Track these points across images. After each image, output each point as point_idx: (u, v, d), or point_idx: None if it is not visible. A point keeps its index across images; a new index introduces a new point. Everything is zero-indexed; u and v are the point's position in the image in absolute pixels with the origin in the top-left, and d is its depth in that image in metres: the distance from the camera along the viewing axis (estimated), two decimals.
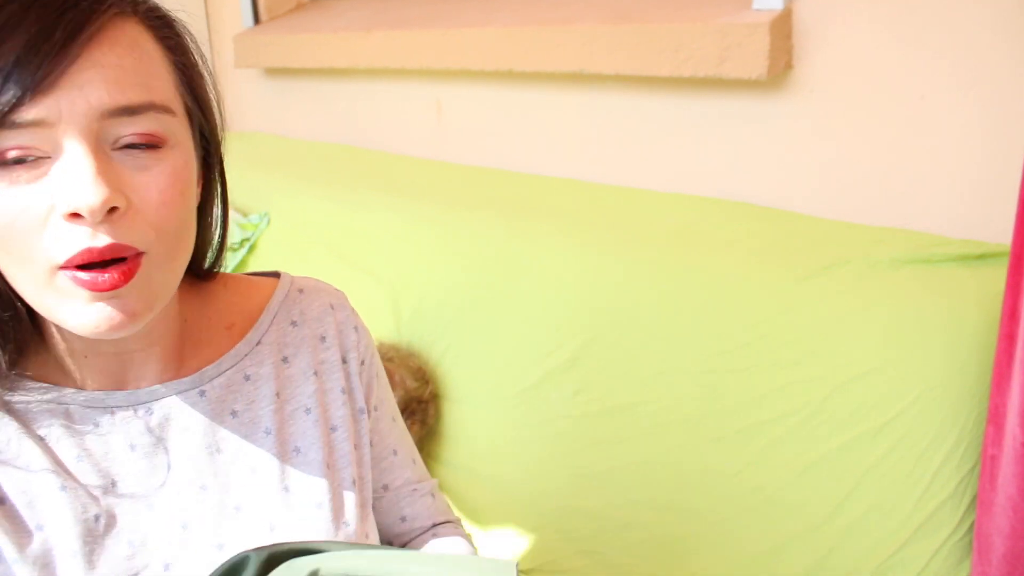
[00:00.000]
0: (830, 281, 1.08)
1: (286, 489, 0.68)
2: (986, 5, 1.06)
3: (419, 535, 0.83)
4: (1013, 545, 0.88)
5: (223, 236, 0.72)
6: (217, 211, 0.69)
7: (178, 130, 0.58)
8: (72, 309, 0.55)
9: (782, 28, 1.21)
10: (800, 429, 1.05)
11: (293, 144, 2.23)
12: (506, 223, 1.45)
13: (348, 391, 0.74)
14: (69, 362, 0.64)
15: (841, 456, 1.02)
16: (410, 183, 1.74)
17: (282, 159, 2.11)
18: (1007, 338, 0.88)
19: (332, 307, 0.75)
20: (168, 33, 0.60)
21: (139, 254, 0.55)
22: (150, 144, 0.55)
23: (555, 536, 1.21)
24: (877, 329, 1.02)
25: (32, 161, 0.53)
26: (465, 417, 1.39)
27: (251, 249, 1.93)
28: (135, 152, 0.55)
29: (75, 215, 0.52)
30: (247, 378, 0.70)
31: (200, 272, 0.71)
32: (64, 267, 0.54)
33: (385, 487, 0.81)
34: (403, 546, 0.83)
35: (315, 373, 0.72)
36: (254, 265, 1.91)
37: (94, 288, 0.54)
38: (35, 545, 0.60)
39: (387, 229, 1.63)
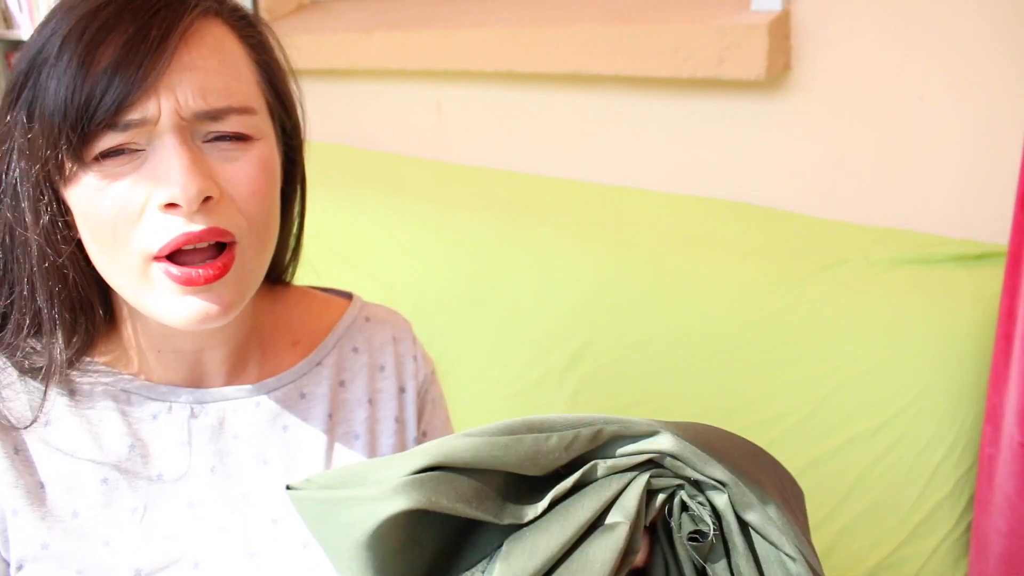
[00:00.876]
0: (829, 281, 1.08)
1: None
2: (983, 6, 1.07)
3: None
4: (1010, 544, 0.89)
5: (299, 239, 0.73)
6: (296, 211, 0.71)
7: (261, 126, 0.60)
8: (165, 301, 0.57)
9: (780, 29, 1.22)
10: (798, 429, 1.05)
11: None
12: (506, 223, 1.45)
13: (402, 421, 0.75)
14: (140, 355, 0.65)
15: (839, 455, 1.02)
16: (410, 183, 1.74)
17: None
18: (1004, 338, 0.89)
19: (395, 339, 0.77)
20: (251, 32, 0.62)
21: (233, 243, 0.58)
22: (237, 136, 0.58)
23: None
24: (875, 329, 1.02)
25: (128, 154, 0.55)
26: (465, 417, 1.39)
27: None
28: (223, 144, 0.58)
29: (172, 205, 0.55)
30: (303, 396, 0.71)
31: (275, 276, 0.73)
32: (158, 258, 0.56)
33: None
34: None
35: (369, 401, 0.74)
36: None
37: (188, 283, 0.56)
38: (69, 529, 0.61)
39: (387, 229, 1.64)
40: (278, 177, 0.63)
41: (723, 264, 1.18)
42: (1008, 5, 1.05)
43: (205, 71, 0.56)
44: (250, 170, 0.58)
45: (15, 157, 0.56)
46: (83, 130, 0.53)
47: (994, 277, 0.99)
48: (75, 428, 0.63)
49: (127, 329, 0.65)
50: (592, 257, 1.31)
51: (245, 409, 0.68)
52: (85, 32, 0.54)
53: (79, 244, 0.59)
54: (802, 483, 1.06)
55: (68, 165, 0.55)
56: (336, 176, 1.90)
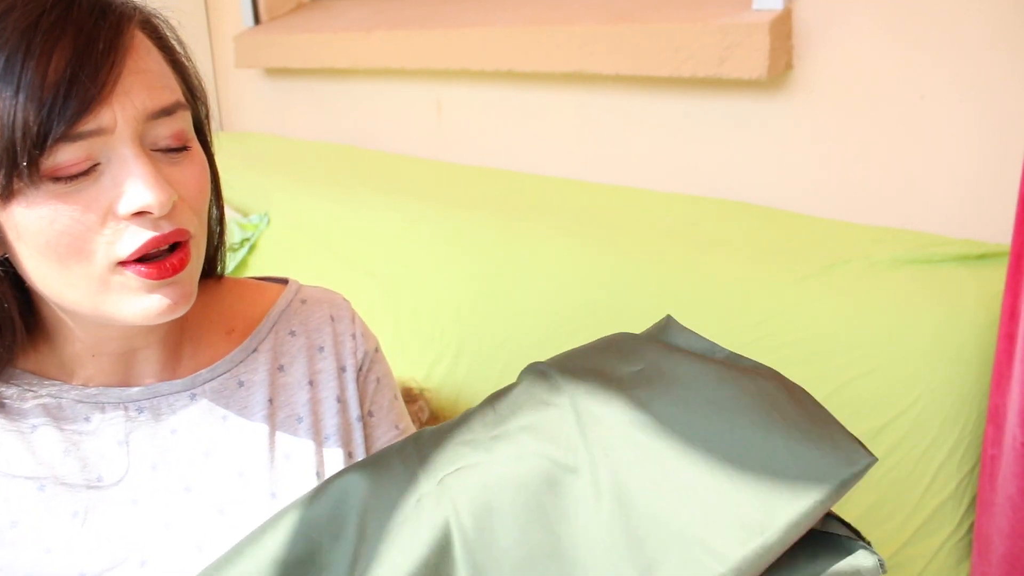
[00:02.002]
0: (830, 281, 1.08)
1: (273, 495, 0.69)
2: (985, 6, 1.06)
3: None
4: (1013, 545, 0.88)
5: (221, 231, 0.73)
6: (213, 206, 0.70)
7: (191, 125, 0.62)
8: (132, 301, 0.58)
9: (782, 28, 1.21)
10: None
11: (293, 144, 2.23)
12: (506, 223, 1.45)
13: (343, 400, 0.74)
14: (72, 360, 0.65)
15: None
16: (410, 183, 1.74)
17: (282, 159, 2.11)
18: (1007, 338, 0.88)
19: (332, 318, 0.77)
20: (159, 33, 0.63)
21: (189, 238, 0.60)
22: (182, 145, 0.60)
23: None
24: (877, 329, 1.02)
25: (87, 171, 0.55)
26: None
27: (251, 249, 1.93)
28: (169, 152, 0.59)
29: (142, 213, 0.56)
30: (241, 384, 0.70)
31: (206, 272, 0.72)
32: (124, 262, 0.57)
33: None
34: None
35: (310, 383, 0.73)
36: (254, 265, 1.91)
37: (160, 275, 0.58)
38: (8, 539, 0.61)
39: (387, 229, 1.63)
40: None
41: (724, 264, 1.18)
42: (1010, 5, 1.04)
43: (151, 73, 0.58)
44: (194, 170, 0.61)
45: None
46: (40, 146, 0.53)
47: (996, 277, 0.99)
48: (6, 442, 0.63)
49: (56, 337, 0.65)
50: (592, 257, 1.31)
51: (181, 403, 0.68)
52: (31, 46, 0.53)
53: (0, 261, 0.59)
54: None
55: (15, 183, 0.54)
56: (336, 176, 1.90)
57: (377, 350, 0.80)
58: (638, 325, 1.22)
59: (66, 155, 0.54)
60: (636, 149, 1.49)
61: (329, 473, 0.71)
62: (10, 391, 0.64)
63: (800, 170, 1.28)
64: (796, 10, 1.22)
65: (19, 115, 0.52)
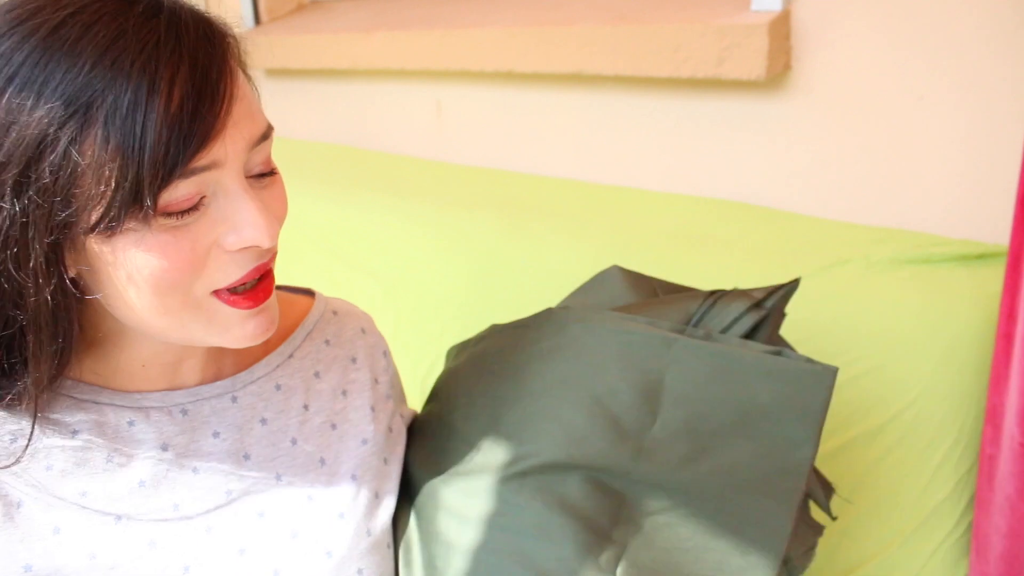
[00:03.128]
0: (829, 281, 1.08)
1: (310, 498, 0.69)
2: (984, 7, 1.07)
3: None
4: (1011, 544, 0.88)
5: None
6: None
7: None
8: (228, 327, 0.59)
9: (781, 29, 1.22)
10: None
11: (293, 144, 2.23)
12: (506, 223, 1.45)
13: (378, 409, 0.76)
14: (119, 368, 0.65)
15: (839, 456, 1.02)
16: (410, 183, 1.74)
17: (282, 159, 2.10)
18: (1005, 338, 0.89)
19: (363, 331, 0.79)
20: (238, 51, 0.61)
21: (271, 269, 0.61)
22: (271, 170, 0.60)
23: None
24: (875, 329, 1.02)
25: (196, 206, 0.54)
26: None
27: None
28: (261, 178, 0.59)
29: (249, 247, 0.56)
30: (278, 388, 0.71)
31: None
32: (219, 291, 0.57)
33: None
34: None
35: (344, 392, 0.74)
36: None
37: (254, 304, 0.58)
38: (51, 547, 0.61)
39: (387, 229, 1.64)
40: None
41: (723, 264, 1.18)
42: (1008, 6, 1.05)
43: (248, 98, 0.57)
44: (280, 193, 0.61)
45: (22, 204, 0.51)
46: (163, 184, 0.50)
47: (994, 277, 0.99)
48: (48, 453, 0.62)
49: (108, 347, 0.64)
50: (592, 257, 1.31)
51: (223, 405, 0.68)
52: (154, 81, 0.50)
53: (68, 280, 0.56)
54: None
55: (128, 221, 0.51)
56: (336, 176, 1.90)
57: (393, 361, 0.84)
58: None
59: (182, 191, 0.52)
60: (636, 149, 1.49)
61: (364, 476, 0.72)
62: (56, 400, 0.63)
63: (799, 170, 1.28)
64: (795, 11, 1.23)
65: (147, 147, 0.49)
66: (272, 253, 0.60)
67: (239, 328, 0.59)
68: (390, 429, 0.77)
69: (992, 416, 0.91)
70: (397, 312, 1.54)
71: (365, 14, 2.05)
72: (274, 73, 2.32)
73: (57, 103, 0.49)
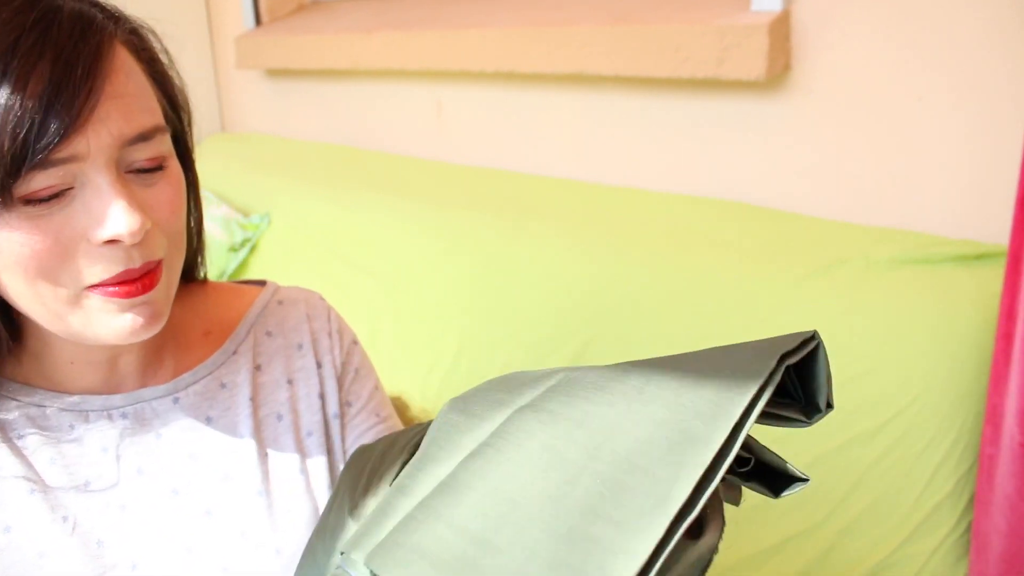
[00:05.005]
0: (828, 281, 1.08)
1: (259, 493, 0.69)
2: (984, 8, 1.07)
3: None
4: (1010, 544, 0.89)
5: (200, 237, 0.73)
6: (192, 211, 0.70)
7: (170, 145, 0.61)
8: (104, 321, 0.58)
9: (781, 29, 1.22)
10: (799, 429, 1.05)
11: (294, 145, 2.23)
12: (506, 223, 1.45)
13: (323, 396, 0.75)
14: (53, 369, 0.65)
15: (839, 456, 1.02)
16: (410, 183, 1.74)
17: (283, 160, 2.12)
18: (1004, 338, 0.89)
19: (308, 316, 0.77)
20: (142, 45, 0.61)
21: (159, 262, 0.60)
22: (157, 166, 0.59)
23: None
24: (875, 329, 1.02)
25: (57, 196, 0.55)
26: None
27: (252, 249, 1.94)
28: (143, 174, 0.58)
29: (114, 241, 0.55)
30: (223, 386, 0.71)
31: (186, 274, 0.73)
32: (96, 286, 0.57)
33: None
34: None
35: (289, 381, 0.74)
36: (255, 265, 1.91)
37: (130, 294, 0.57)
38: (2, 544, 0.61)
39: (387, 229, 1.64)
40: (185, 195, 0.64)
41: (723, 264, 1.18)
42: (1008, 6, 1.05)
43: (129, 97, 0.57)
44: (169, 192, 0.60)
45: None
46: (14, 173, 0.52)
47: (994, 277, 0.99)
48: None
49: (37, 346, 0.65)
50: (592, 257, 1.31)
51: (164, 407, 0.68)
52: (7, 71, 0.52)
53: None
54: None
55: None
56: (336, 176, 1.90)
57: (355, 342, 0.81)
58: (637, 324, 1.22)
59: (39, 181, 0.53)
60: (635, 149, 1.49)
61: (312, 469, 0.72)
62: (4, 404, 0.64)
63: (798, 170, 1.29)
64: (795, 11, 1.23)
65: None
66: (149, 258, 0.58)
67: (116, 321, 0.58)
68: (335, 415, 0.76)
69: (992, 416, 0.91)
70: (397, 312, 1.54)
71: (365, 14, 2.05)
72: (274, 73, 2.32)
73: None
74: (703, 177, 1.40)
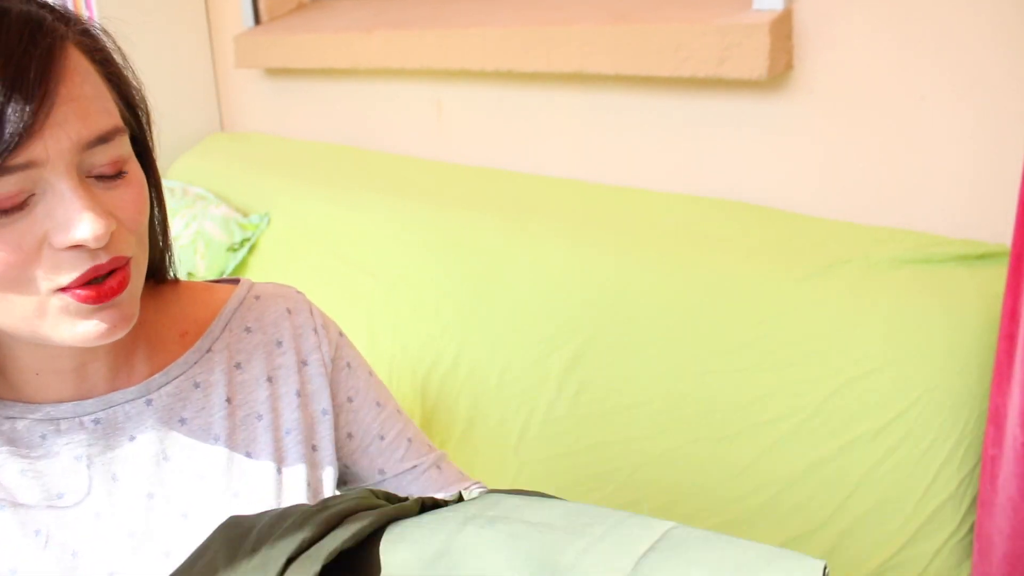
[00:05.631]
0: (830, 281, 1.08)
1: (235, 495, 0.68)
2: (986, 7, 1.06)
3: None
4: (1013, 545, 0.88)
5: (165, 235, 0.72)
6: (155, 211, 0.69)
7: (129, 147, 0.60)
8: (71, 325, 0.57)
9: (782, 28, 1.21)
10: (801, 430, 1.05)
11: (293, 144, 2.23)
12: (506, 223, 1.45)
13: (305, 394, 0.74)
14: (20, 379, 0.64)
15: (842, 457, 1.02)
16: (410, 183, 1.74)
17: (282, 159, 2.11)
18: (1007, 338, 0.88)
19: (289, 311, 0.76)
20: (96, 45, 0.60)
21: (128, 261, 0.59)
22: (118, 171, 0.58)
23: None
24: (877, 329, 1.02)
25: (20, 204, 0.54)
26: (466, 417, 1.39)
27: (251, 249, 1.93)
28: (104, 179, 0.58)
29: (78, 246, 0.55)
30: (197, 385, 0.70)
31: (155, 275, 0.72)
32: (64, 289, 0.56)
33: (381, 471, 0.80)
34: None
35: (268, 379, 0.72)
36: (254, 265, 1.91)
37: (99, 299, 0.56)
38: None
39: (387, 229, 1.64)
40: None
41: (724, 264, 1.18)
42: (1010, 5, 1.04)
43: (86, 99, 0.55)
44: (131, 193, 0.59)
45: None
46: None
47: (997, 277, 0.99)
48: None
49: (2, 356, 0.64)
50: (592, 257, 1.31)
51: (136, 410, 0.67)
52: None
53: None
54: (804, 484, 1.06)
55: None
56: (336, 176, 1.90)
57: (341, 335, 0.79)
58: (637, 324, 1.22)
59: None
60: (636, 149, 1.49)
61: (289, 469, 0.71)
62: None
63: (800, 170, 1.28)
64: (796, 10, 1.22)
65: None
66: (116, 258, 0.58)
67: (84, 323, 0.57)
68: (324, 412, 0.74)
69: (994, 417, 0.91)
70: (397, 312, 1.54)
71: (365, 13, 2.05)
72: (274, 72, 2.32)
73: None
74: (704, 177, 1.40)
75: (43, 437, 0.64)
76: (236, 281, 0.77)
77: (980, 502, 0.93)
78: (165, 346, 0.70)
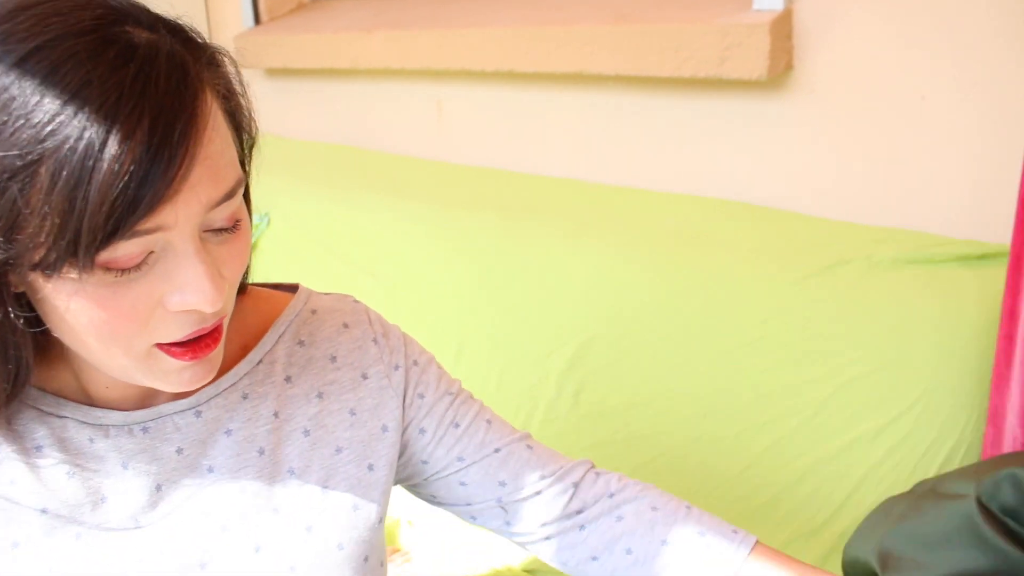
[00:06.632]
0: (830, 281, 1.08)
1: (275, 510, 0.67)
2: (987, 6, 1.06)
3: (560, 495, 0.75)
4: None
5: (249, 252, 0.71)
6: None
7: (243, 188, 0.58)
8: (165, 374, 0.58)
9: (782, 28, 1.21)
10: (801, 430, 1.05)
11: (294, 144, 2.23)
12: (506, 223, 1.45)
13: (361, 410, 0.72)
14: (86, 384, 0.64)
15: (842, 456, 1.02)
16: (411, 183, 1.74)
17: (283, 159, 2.11)
18: (1006, 338, 0.88)
19: (346, 326, 0.74)
20: (221, 79, 0.57)
21: (224, 316, 0.59)
22: (233, 225, 0.57)
23: None
24: (878, 329, 1.02)
25: (139, 263, 0.52)
26: None
27: (252, 249, 1.93)
28: (221, 233, 0.56)
29: (192, 310, 0.54)
30: (245, 397, 0.69)
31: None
32: (160, 344, 0.56)
33: (460, 459, 0.75)
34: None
35: (319, 395, 0.71)
36: (255, 265, 1.89)
37: (193, 357, 0.57)
38: (8, 560, 0.61)
39: (387, 229, 1.64)
40: None
41: (724, 264, 1.18)
42: (1012, 4, 1.04)
43: (218, 156, 0.53)
44: (240, 247, 0.58)
45: None
46: (103, 243, 0.49)
47: (997, 277, 0.99)
48: (10, 467, 0.62)
49: (74, 363, 0.63)
50: (593, 257, 1.31)
51: (185, 421, 0.67)
52: (108, 137, 0.48)
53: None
54: (805, 485, 1.06)
55: (67, 269, 0.50)
56: (336, 176, 1.90)
57: (403, 335, 0.77)
58: (637, 324, 1.22)
59: (120, 251, 0.50)
60: (636, 149, 1.49)
61: (336, 488, 0.69)
62: (20, 410, 0.63)
63: (800, 170, 1.28)
64: (796, 10, 1.22)
65: (88, 208, 0.48)
66: (222, 314, 0.58)
67: (175, 376, 0.58)
68: (385, 428, 0.72)
69: (994, 417, 0.91)
70: (397, 312, 1.53)
71: (365, 14, 2.05)
72: (274, 73, 2.32)
73: (12, 152, 0.48)
74: (704, 177, 1.40)
75: (91, 440, 0.64)
76: (292, 288, 0.76)
77: None
78: (226, 360, 0.69)
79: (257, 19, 2.30)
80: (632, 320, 1.22)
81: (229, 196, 0.54)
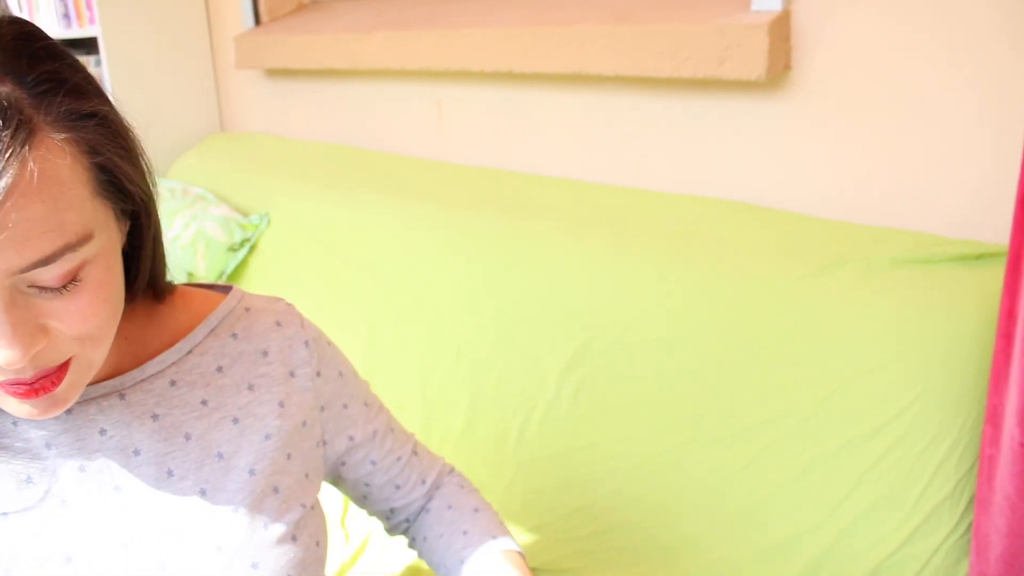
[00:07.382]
0: (829, 281, 1.08)
1: (202, 493, 0.69)
2: (986, 6, 1.07)
3: (422, 502, 0.90)
4: (1011, 544, 0.88)
5: (155, 257, 0.70)
6: (148, 249, 0.67)
7: (99, 237, 0.55)
8: (15, 406, 0.57)
9: (781, 29, 1.22)
10: (799, 429, 1.05)
11: (294, 144, 2.23)
12: (506, 223, 1.45)
13: (289, 404, 0.75)
14: None
15: (840, 456, 1.02)
16: (411, 183, 1.74)
17: (283, 159, 2.12)
18: (1004, 338, 0.88)
19: (279, 324, 0.76)
20: (81, 124, 0.54)
21: (64, 362, 0.57)
22: (65, 284, 0.53)
23: (555, 536, 1.21)
24: (876, 329, 1.02)
25: None
26: (466, 418, 1.39)
27: (251, 249, 1.94)
28: (48, 291, 0.53)
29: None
30: (173, 383, 0.70)
31: (154, 291, 0.72)
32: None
33: (373, 463, 0.85)
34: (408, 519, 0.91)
35: (250, 387, 0.73)
36: (254, 265, 1.91)
37: (28, 395, 0.56)
38: None
39: (387, 229, 1.64)
40: (118, 271, 0.59)
41: (723, 264, 1.18)
42: (1011, 5, 1.05)
43: (29, 222, 0.49)
44: (81, 302, 0.54)
45: None
46: None
47: (995, 277, 0.99)
48: None
49: None
50: (592, 257, 1.31)
51: (109, 403, 0.67)
52: None
53: None
54: (802, 484, 1.07)
55: None
56: (336, 176, 1.90)
57: (330, 345, 0.81)
58: (637, 324, 1.22)
59: None
60: (636, 149, 1.49)
61: (261, 473, 0.71)
62: None
63: (799, 170, 1.29)
64: (795, 11, 1.23)
65: None
66: (44, 366, 0.55)
67: (17, 406, 0.57)
68: (304, 424, 0.75)
69: (992, 416, 0.91)
70: (397, 312, 1.54)
71: (365, 14, 2.05)
72: (274, 73, 2.32)
73: None
74: (703, 177, 1.40)
75: (15, 423, 0.65)
76: (229, 288, 0.78)
77: (977, 501, 0.93)
78: (153, 350, 0.71)
79: (257, 19, 2.30)
80: (632, 320, 1.23)
81: (45, 262, 0.51)
